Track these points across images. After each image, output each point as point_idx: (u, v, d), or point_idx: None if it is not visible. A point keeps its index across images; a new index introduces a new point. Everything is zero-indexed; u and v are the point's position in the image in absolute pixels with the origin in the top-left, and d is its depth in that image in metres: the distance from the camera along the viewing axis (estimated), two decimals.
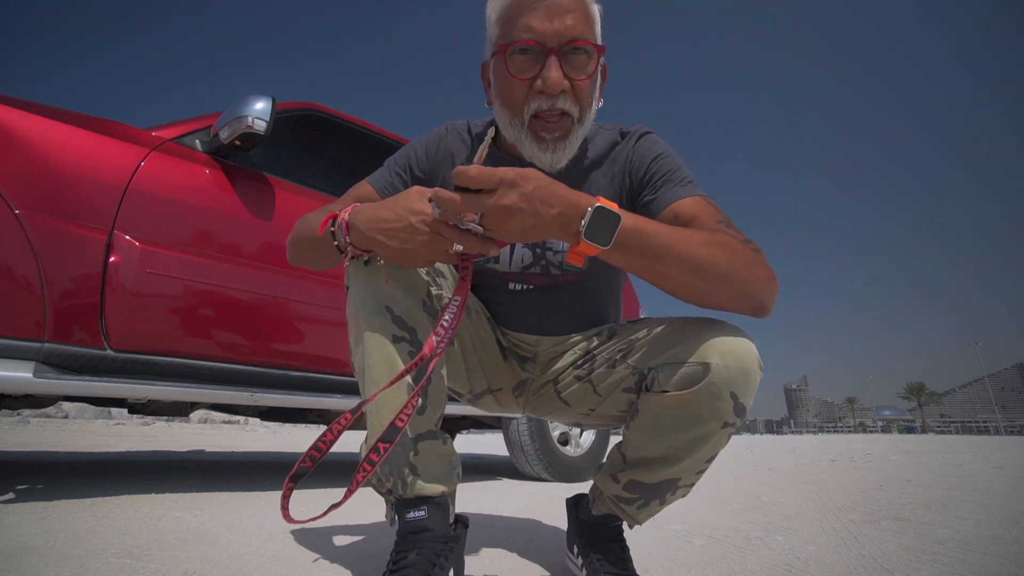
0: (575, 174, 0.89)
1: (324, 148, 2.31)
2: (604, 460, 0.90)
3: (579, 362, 0.90)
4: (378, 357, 0.74)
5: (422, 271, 0.79)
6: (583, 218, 0.63)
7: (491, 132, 0.74)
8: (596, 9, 0.80)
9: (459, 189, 0.63)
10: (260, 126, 1.66)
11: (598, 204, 0.63)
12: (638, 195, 0.88)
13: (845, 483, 2.83)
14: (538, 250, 0.90)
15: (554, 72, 0.74)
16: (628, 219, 0.64)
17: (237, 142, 1.70)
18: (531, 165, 0.83)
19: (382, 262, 0.75)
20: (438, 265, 0.82)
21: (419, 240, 0.67)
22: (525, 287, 0.92)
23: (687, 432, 0.72)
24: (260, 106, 1.67)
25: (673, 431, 0.73)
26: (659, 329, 0.79)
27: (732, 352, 0.69)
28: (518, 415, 0.99)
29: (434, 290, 0.80)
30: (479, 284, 0.95)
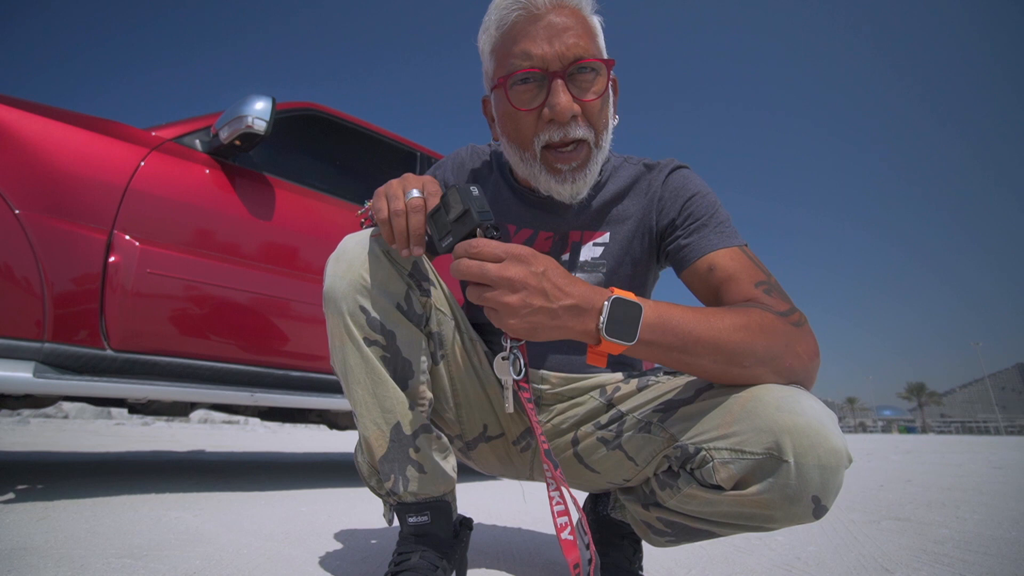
0: (598, 206, 0.82)
1: (324, 148, 2.32)
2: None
3: (602, 420, 0.76)
4: (358, 359, 0.70)
5: (400, 275, 0.72)
6: (601, 313, 0.56)
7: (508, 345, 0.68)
8: (597, 21, 0.74)
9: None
10: (260, 126, 1.66)
11: (615, 296, 0.57)
12: (667, 235, 0.80)
13: (845, 483, 2.83)
14: None
15: (562, 97, 0.67)
16: (650, 309, 0.57)
17: (237, 142, 1.70)
18: (548, 198, 0.79)
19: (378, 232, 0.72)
20: (424, 268, 0.76)
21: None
22: None
23: (750, 523, 0.60)
24: (260, 106, 1.67)
25: (731, 519, 0.62)
26: (707, 392, 0.64)
27: (812, 445, 0.53)
28: (524, 479, 0.88)
29: (420, 296, 0.74)
30: (475, 314, 0.88)
